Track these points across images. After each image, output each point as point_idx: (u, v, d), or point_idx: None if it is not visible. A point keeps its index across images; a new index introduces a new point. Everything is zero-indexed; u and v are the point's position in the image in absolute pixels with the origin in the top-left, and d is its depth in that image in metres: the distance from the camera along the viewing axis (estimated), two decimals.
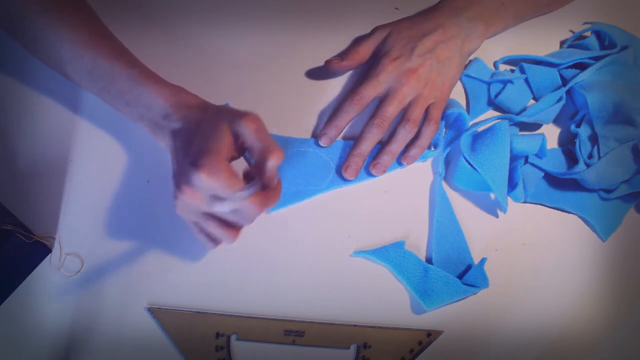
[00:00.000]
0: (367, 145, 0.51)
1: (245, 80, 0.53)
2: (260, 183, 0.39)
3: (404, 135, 0.51)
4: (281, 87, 0.53)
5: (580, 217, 0.53)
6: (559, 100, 0.53)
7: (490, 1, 0.53)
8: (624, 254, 0.52)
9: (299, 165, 0.51)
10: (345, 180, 0.51)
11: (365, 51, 0.53)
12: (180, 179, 0.39)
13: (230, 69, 0.53)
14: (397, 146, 0.51)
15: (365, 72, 0.52)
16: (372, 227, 0.51)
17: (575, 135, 0.53)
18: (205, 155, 0.38)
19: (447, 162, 0.53)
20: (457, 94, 0.55)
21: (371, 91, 0.51)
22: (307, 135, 0.52)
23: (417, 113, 0.51)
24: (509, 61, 0.57)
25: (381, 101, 0.51)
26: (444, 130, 0.54)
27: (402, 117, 0.51)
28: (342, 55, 0.53)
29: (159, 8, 0.54)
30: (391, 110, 0.50)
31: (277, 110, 0.52)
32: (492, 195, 0.52)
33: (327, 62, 0.53)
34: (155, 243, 0.48)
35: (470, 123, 0.54)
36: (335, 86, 0.54)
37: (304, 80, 0.54)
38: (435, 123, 0.51)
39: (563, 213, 0.53)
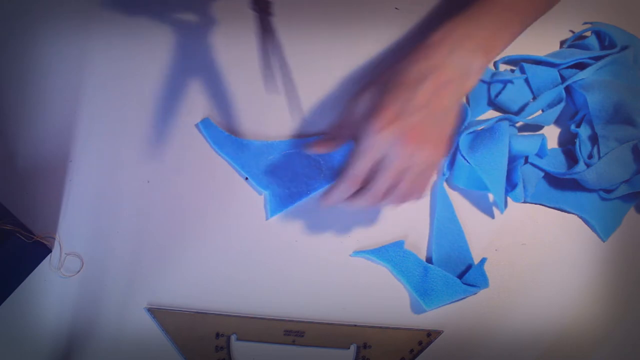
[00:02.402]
0: (341, 197, 0.44)
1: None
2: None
3: (384, 204, 0.45)
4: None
5: (580, 217, 0.53)
6: (560, 102, 0.53)
7: (489, 26, 0.46)
8: (624, 254, 0.52)
9: (289, 168, 0.51)
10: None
11: (346, 132, 0.46)
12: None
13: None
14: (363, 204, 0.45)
15: (355, 134, 0.44)
16: (372, 227, 0.51)
17: (575, 135, 0.53)
18: None
19: (451, 163, 0.53)
20: None
21: (366, 166, 0.43)
22: (293, 136, 0.52)
23: (407, 188, 0.44)
24: (509, 61, 0.57)
25: (374, 171, 0.43)
26: None
27: (389, 187, 0.44)
28: (327, 135, 0.47)
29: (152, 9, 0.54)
30: (385, 186, 0.43)
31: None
32: (491, 196, 0.52)
33: (308, 146, 0.47)
34: (155, 243, 0.48)
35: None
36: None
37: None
38: (420, 193, 0.45)
39: (563, 213, 0.53)
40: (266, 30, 0.44)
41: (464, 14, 0.46)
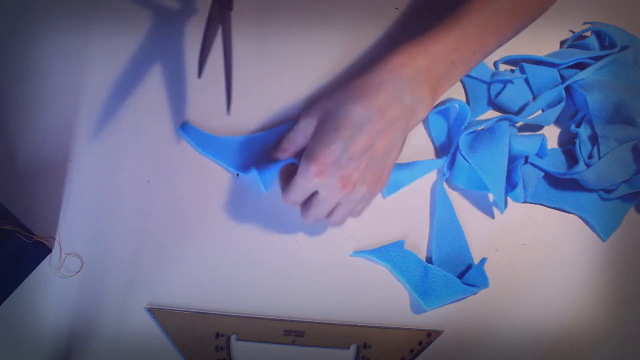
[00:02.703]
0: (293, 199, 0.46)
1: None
2: None
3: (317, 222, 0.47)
4: (273, 84, 0.53)
5: (580, 217, 0.53)
6: (560, 102, 0.53)
7: (439, 62, 0.43)
8: (624, 254, 0.52)
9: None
10: None
11: (292, 148, 0.47)
12: None
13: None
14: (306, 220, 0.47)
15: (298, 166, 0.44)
16: (372, 227, 0.51)
17: (575, 135, 0.53)
18: None
19: (451, 163, 0.53)
20: (457, 94, 0.55)
21: (302, 197, 0.45)
22: (273, 126, 0.52)
23: (342, 216, 0.46)
24: (509, 61, 0.57)
25: (311, 199, 0.45)
26: (448, 130, 0.54)
27: (327, 216, 0.46)
28: (277, 147, 0.48)
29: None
30: (322, 215, 0.45)
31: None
32: (491, 196, 0.52)
33: (273, 151, 0.49)
34: (155, 243, 0.48)
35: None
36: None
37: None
38: (357, 215, 0.47)
39: (563, 213, 0.53)
40: (221, 22, 0.43)
41: (420, 41, 0.44)
